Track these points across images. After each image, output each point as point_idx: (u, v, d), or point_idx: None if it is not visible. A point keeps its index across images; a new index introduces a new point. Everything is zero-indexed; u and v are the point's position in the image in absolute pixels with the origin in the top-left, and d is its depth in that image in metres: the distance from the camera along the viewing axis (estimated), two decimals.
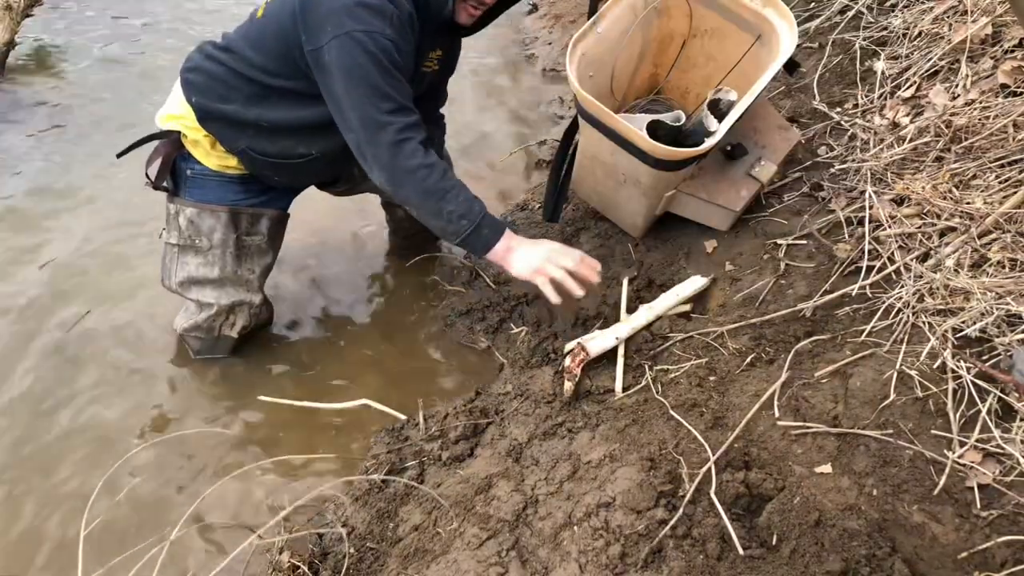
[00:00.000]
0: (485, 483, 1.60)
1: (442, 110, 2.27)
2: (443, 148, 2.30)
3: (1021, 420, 1.32)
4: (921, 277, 1.61)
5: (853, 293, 1.67)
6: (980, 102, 1.93)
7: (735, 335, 1.76)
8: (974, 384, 1.38)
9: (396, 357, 2.24)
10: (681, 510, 1.38)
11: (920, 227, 1.74)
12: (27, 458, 1.92)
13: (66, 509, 1.80)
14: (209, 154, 1.96)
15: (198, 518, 1.75)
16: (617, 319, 1.99)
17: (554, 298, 1.76)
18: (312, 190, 2.27)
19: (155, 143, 2.00)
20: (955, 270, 1.59)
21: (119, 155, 2.03)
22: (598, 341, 1.85)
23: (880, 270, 1.69)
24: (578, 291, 1.76)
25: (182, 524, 1.47)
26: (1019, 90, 1.90)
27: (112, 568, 1.48)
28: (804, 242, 1.90)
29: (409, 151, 1.65)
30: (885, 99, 2.20)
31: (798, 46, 2.16)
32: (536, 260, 1.73)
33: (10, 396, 2.08)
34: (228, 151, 1.94)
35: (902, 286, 1.62)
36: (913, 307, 1.57)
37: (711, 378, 1.71)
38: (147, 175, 2.00)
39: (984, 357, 1.42)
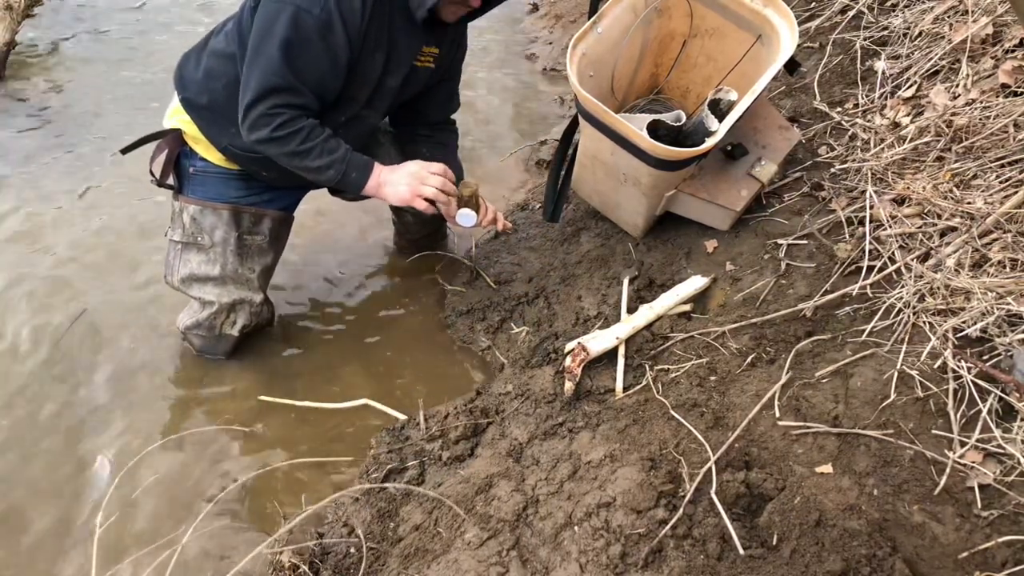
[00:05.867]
0: (486, 483, 1.60)
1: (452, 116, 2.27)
2: (456, 154, 2.29)
3: (1022, 420, 1.32)
4: (922, 277, 1.61)
5: (854, 293, 1.67)
6: (981, 102, 1.93)
7: (736, 335, 1.76)
8: (975, 384, 1.38)
9: (397, 357, 2.24)
10: (681, 510, 1.38)
11: (921, 227, 1.73)
12: (32, 460, 1.93)
13: (73, 512, 1.81)
14: (210, 148, 1.97)
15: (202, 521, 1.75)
16: (617, 319, 1.99)
17: (431, 211, 1.95)
18: (320, 192, 2.27)
19: (158, 141, 2.01)
20: (956, 270, 1.59)
21: (123, 151, 2.04)
22: (598, 341, 1.85)
23: (881, 270, 1.69)
24: (447, 204, 1.99)
25: (193, 529, 1.48)
26: (1020, 90, 1.90)
27: (121, 570, 1.50)
28: (804, 242, 1.90)
29: (276, 124, 1.73)
30: (886, 99, 2.20)
31: (798, 46, 2.16)
32: (407, 189, 1.88)
33: (13, 399, 2.08)
34: (215, 147, 1.95)
35: (903, 286, 1.62)
36: (914, 307, 1.57)
37: (712, 378, 1.71)
38: (151, 172, 2.01)
39: (985, 357, 1.42)
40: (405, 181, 1.87)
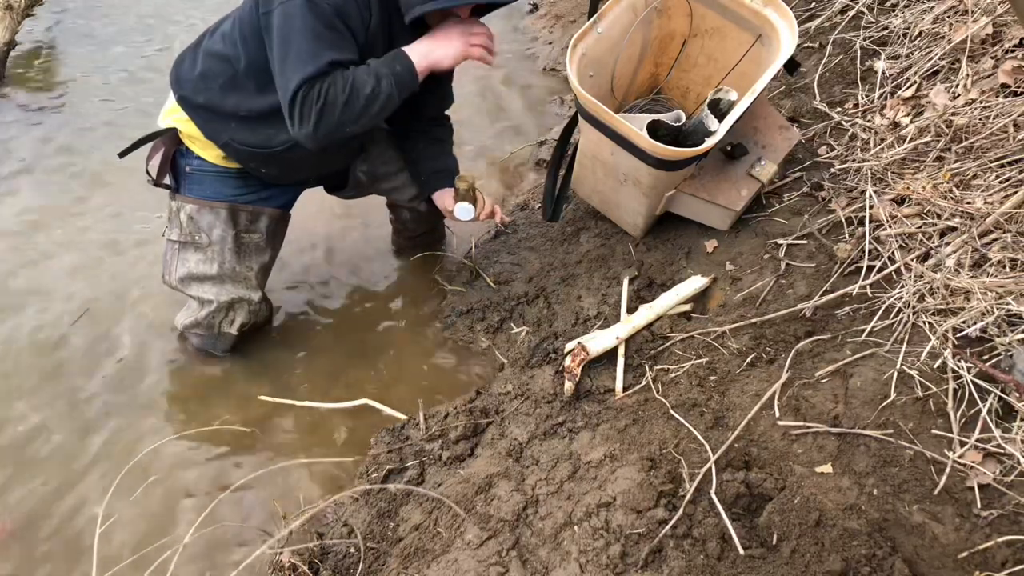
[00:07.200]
0: (485, 483, 1.60)
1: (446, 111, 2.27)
2: (452, 150, 2.29)
3: (1021, 420, 1.32)
4: (921, 277, 1.61)
5: (853, 293, 1.67)
6: (980, 102, 1.93)
7: (735, 335, 1.76)
8: (974, 384, 1.38)
9: (396, 357, 2.24)
10: (681, 510, 1.38)
11: (920, 227, 1.73)
12: (33, 461, 1.93)
13: (74, 512, 1.81)
14: (207, 147, 1.97)
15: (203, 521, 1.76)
16: (617, 319, 1.99)
17: (488, 60, 1.85)
18: (317, 191, 2.27)
19: (154, 141, 2.01)
20: (955, 270, 1.59)
21: (121, 154, 2.04)
22: (598, 341, 1.85)
23: (880, 270, 1.69)
24: (491, 59, 1.87)
25: (194, 529, 1.48)
26: (1019, 90, 1.90)
27: (122, 570, 1.51)
28: (804, 242, 1.90)
29: (315, 95, 1.66)
30: (885, 99, 2.20)
31: (798, 46, 2.16)
32: (460, 44, 1.79)
33: (14, 399, 2.08)
34: (214, 144, 1.95)
35: (902, 286, 1.62)
36: (913, 307, 1.57)
37: (711, 378, 1.70)
38: (148, 172, 2.01)
39: (984, 357, 1.42)
40: (454, 40, 1.78)
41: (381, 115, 1.78)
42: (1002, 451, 1.30)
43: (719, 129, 1.80)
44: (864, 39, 2.43)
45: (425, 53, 1.77)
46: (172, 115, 1.96)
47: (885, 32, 2.42)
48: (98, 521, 1.47)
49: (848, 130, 2.16)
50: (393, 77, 1.73)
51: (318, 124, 1.68)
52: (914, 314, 1.56)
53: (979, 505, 1.26)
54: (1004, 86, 1.93)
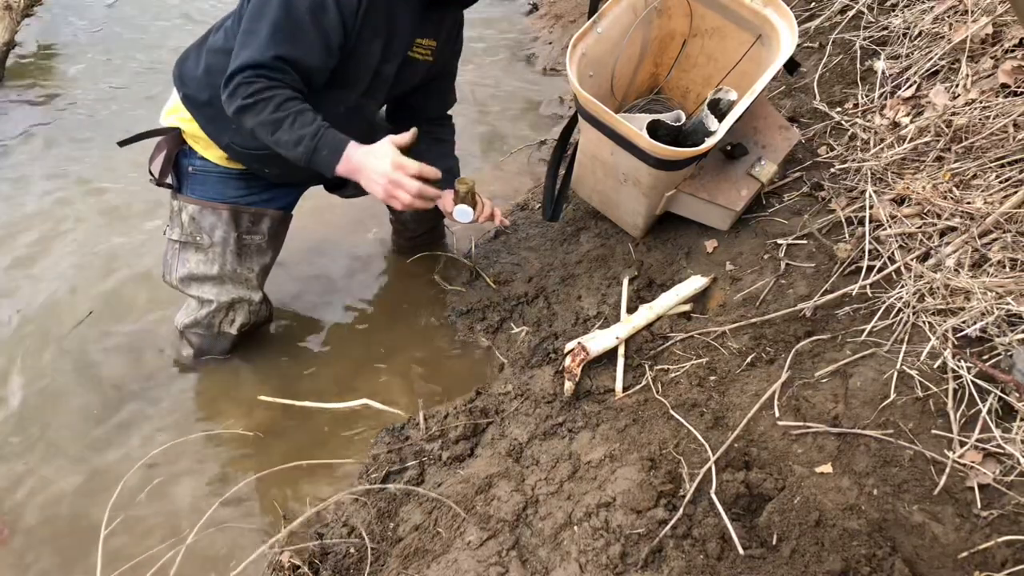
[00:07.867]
0: (485, 483, 1.60)
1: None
2: (454, 150, 2.29)
3: (1021, 420, 1.32)
4: (921, 277, 1.61)
5: (853, 293, 1.67)
6: (980, 102, 1.93)
7: (735, 335, 1.76)
8: (974, 384, 1.38)
9: (396, 357, 2.24)
10: (681, 510, 1.38)
11: (920, 227, 1.73)
12: (34, 463, 1.93)
13: (79, 514, 1.81)
14: (210, 147, 1.96)
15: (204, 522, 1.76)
16: (617, 319, 1.99)
17: (408, 209, 1.77)
18: (318, 190, 2.27)
19: (157, 139, 2.01)
20: (955, 270, 1.59)
21: (121, 144, 2.04)
22: (598, 341, 1.85)
23: (880, 270, 1.69)
24: (426, 207, 1.79)
25: (196, 531, 1.48)
26: (1019, 90, 1.90)
27: (126, 571, 1.52)
28: (804, 242, 1.90)
29: (251, 91, 1.65)
30: (885, 99, 2.20)
31: (798, 46, 2.16)
32: (381, 190, 1.71)
33: (15, 400, 2.08)
34: (216, 145, 1.94)
35: (902, 286, 1.62)
36: (913, 307, 1.57)
37: (711, 378, 1.71)
38: (150, 172, 2.01)
39: (984, 357, 1.42)
40: (380, 181, 1.70)
41: (281, 153, 1.76)
42: (1002, 451, 1.30)
43: (719, 129, 1.80)
44: (864, 39, 2.43)
45: (355, 167, 1.71)
46: (174, 114, 1.96)
47: (885, 32, 2.42)
48: (103, 523, 1.47)
49: (848, 130, 2.16)
50: (313, 153, 1.69)
51: (239, 111, 1.67)
52: (914, 314, 1.56)
53: (979, 505, 1.26)
54: (1004, 86, 1.93)
